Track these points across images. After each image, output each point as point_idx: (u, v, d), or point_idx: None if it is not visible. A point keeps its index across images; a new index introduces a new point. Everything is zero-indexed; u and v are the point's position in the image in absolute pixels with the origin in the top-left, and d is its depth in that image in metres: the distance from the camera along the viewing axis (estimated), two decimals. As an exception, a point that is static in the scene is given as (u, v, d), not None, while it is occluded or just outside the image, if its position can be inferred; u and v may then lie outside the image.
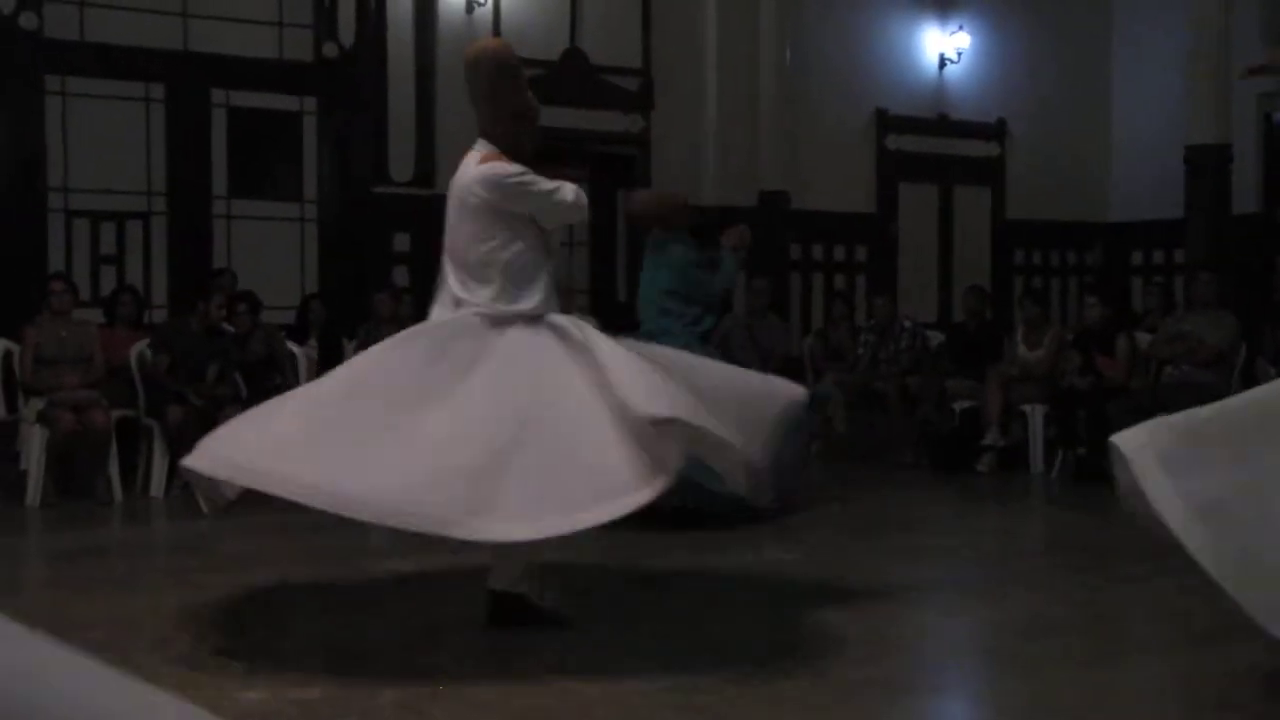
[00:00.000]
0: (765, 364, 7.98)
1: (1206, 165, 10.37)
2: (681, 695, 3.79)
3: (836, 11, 12.24)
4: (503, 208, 4.38)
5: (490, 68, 4.52)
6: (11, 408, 8.18)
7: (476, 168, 4.44)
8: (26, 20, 9.27)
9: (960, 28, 12.71)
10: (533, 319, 4.34)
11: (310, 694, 3.83)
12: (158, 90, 9.88)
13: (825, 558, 6.15)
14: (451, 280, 4.41)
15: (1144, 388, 8.62)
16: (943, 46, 12.76)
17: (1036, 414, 9.15)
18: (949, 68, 12.78)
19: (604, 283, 11.64)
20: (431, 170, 10.22)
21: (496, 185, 4.36)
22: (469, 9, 10.61)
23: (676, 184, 11.15)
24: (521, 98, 4.53)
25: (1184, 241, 10.83)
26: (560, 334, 4.33)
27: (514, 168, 4.39)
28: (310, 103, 10.36)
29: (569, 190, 4.46)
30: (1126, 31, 13.29)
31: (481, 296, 4.35)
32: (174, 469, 7.64)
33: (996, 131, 13.05)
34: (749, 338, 9.70)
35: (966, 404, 9.45)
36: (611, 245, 11.63)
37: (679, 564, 5.76)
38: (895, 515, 7.56)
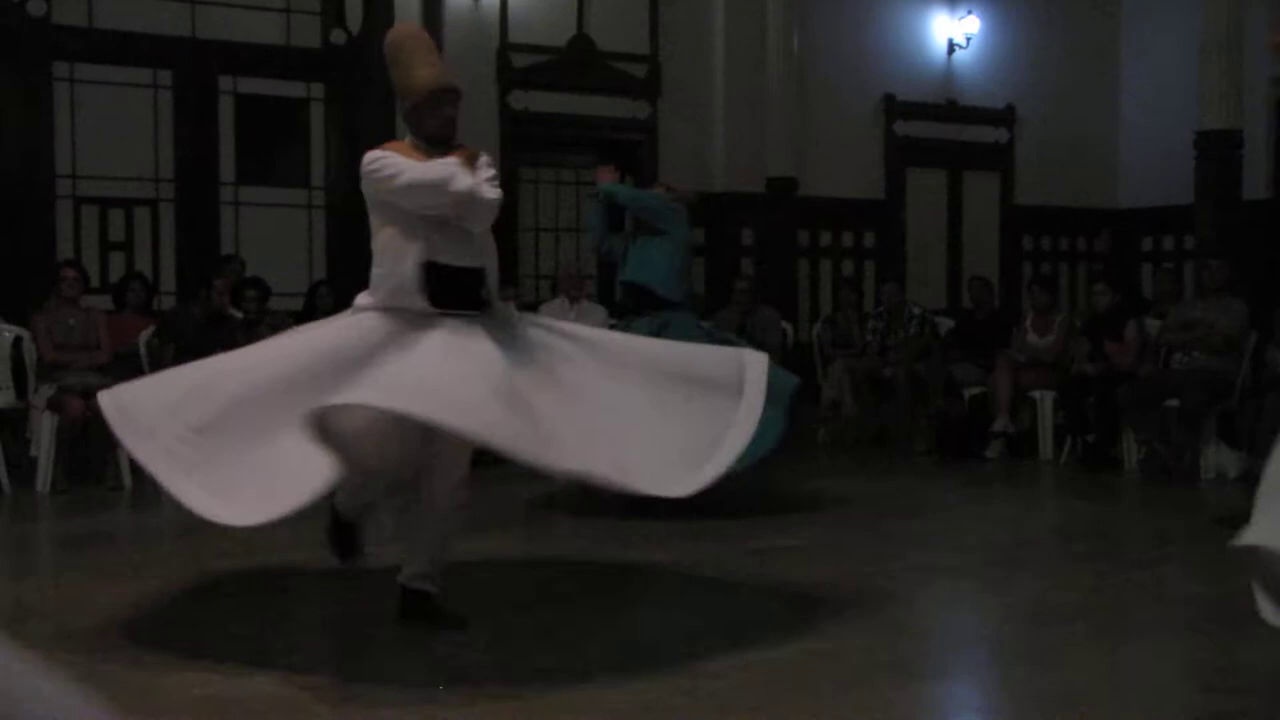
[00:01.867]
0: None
1: (1217, 151, 10.33)
2: (690, 680, 3.80)
3: (845, -3, 12.21)
4: (369, 193, 4.32)
5: (386, 55, 4.46)
6: (21, 394, 8.20)
7: None
8: (35, 7, 9.28)
9: (969, 12, 12.67)
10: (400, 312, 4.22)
11: (319, 680, 3.84)
12: (165, 77, 9.89)
13: (832, 544, 6.15)
14: None
15: (1153, 374, 8.60)
16: (951, 31, 12.72)
17: (1045, 400, 9.14)
18: (958, 53, 12.74)
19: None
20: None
21: (362, 171, 4.30)
22: (476, -5, 10.59)
23: (684, 171, 11.16)
24: (406, 79, 4.37)
25: (1193, 228, 10.79)
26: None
27: (373, 154, 4.27)
28: (318, 89, 10.37)
29: (423, 174, 4.19)
30: (1136, 16, 13.25)
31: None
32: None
33: (1005, 117, 13.01)
34: (739, 333, 9.66)
35: (975, 390, 9.44)
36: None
37: (679, 552, 5.76)
38: (904, 502, 7.55)
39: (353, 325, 4.31)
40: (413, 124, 4.43)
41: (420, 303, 4.21)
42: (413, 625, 4.35)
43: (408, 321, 4.19)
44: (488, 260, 4.40)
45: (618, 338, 4.95)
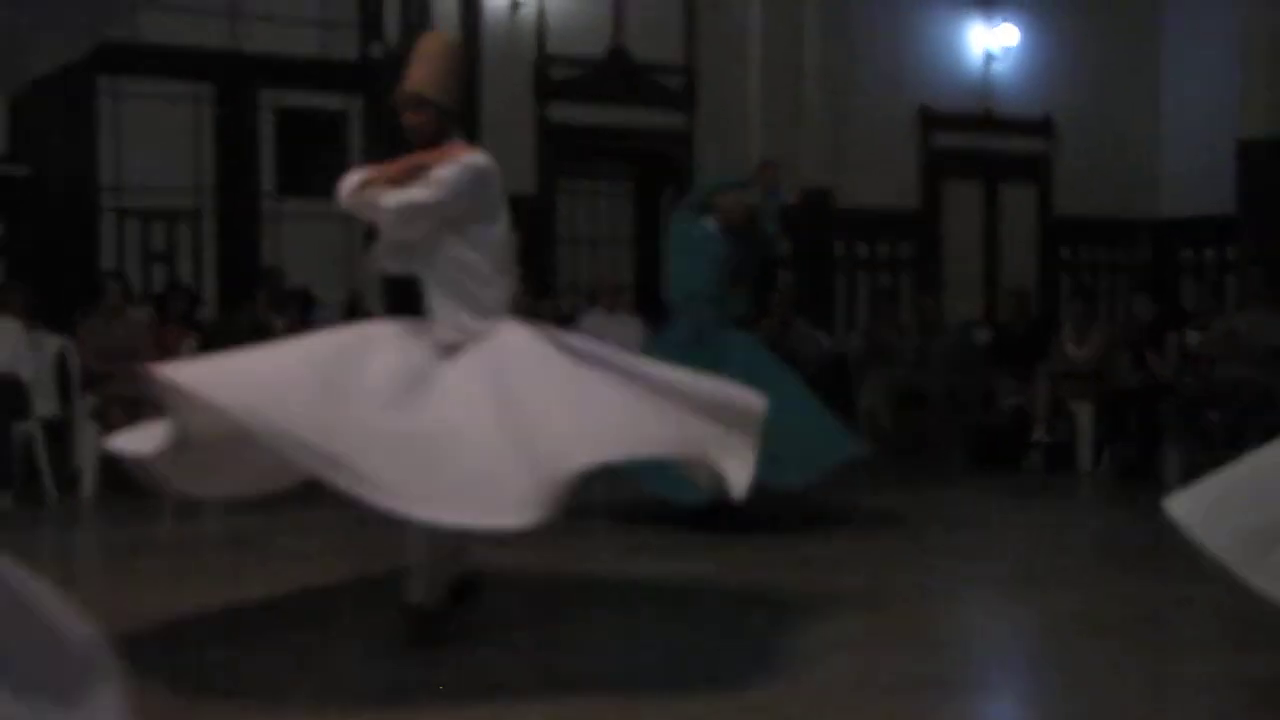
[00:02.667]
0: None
1: (1259, 159, 10.25)
2: (732, 692, 3.80)
3: (881, 7, 12.18)
4: None
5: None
6: (65, 404, 8.28)
7: None
8: None
9: (1006, 22, 12.62)
10: None
11: (357, 689, 3.86)
12: (207, 90, 9.99)
13: (869, 556, 6.14)
14: None
15: (1195, 386, 8.54)
16: (988, 42, 12.68)
17: (1084, 412, 9.09)
18: (994, 63, 12.70)
19: (648, 280, 11.64)
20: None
21: None
22: (513, 8, 10.63)
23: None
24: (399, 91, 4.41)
25: (1235, 237, 10.71)
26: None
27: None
28: (356, 102, 10.44)
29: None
30: (1177, 22, 13.15)
31: None
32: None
33: (1043, 127, 12.95)
34: (775, 346, 9.63)
35: (1013, 402, 9.40)
36: (655, 243, 11.63)
37: (716, 564, 5.76)
38: (941, 514, 7.52)
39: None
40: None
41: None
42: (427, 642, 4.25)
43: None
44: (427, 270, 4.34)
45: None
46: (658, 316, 8.73)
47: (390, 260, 4.37)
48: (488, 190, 4.28)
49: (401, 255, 4.32)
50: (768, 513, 6.45)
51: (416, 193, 4.18)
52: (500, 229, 4.32)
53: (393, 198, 4.17)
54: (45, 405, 8.07)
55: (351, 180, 4.25)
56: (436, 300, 4.27)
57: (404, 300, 4.26)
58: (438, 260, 4.27)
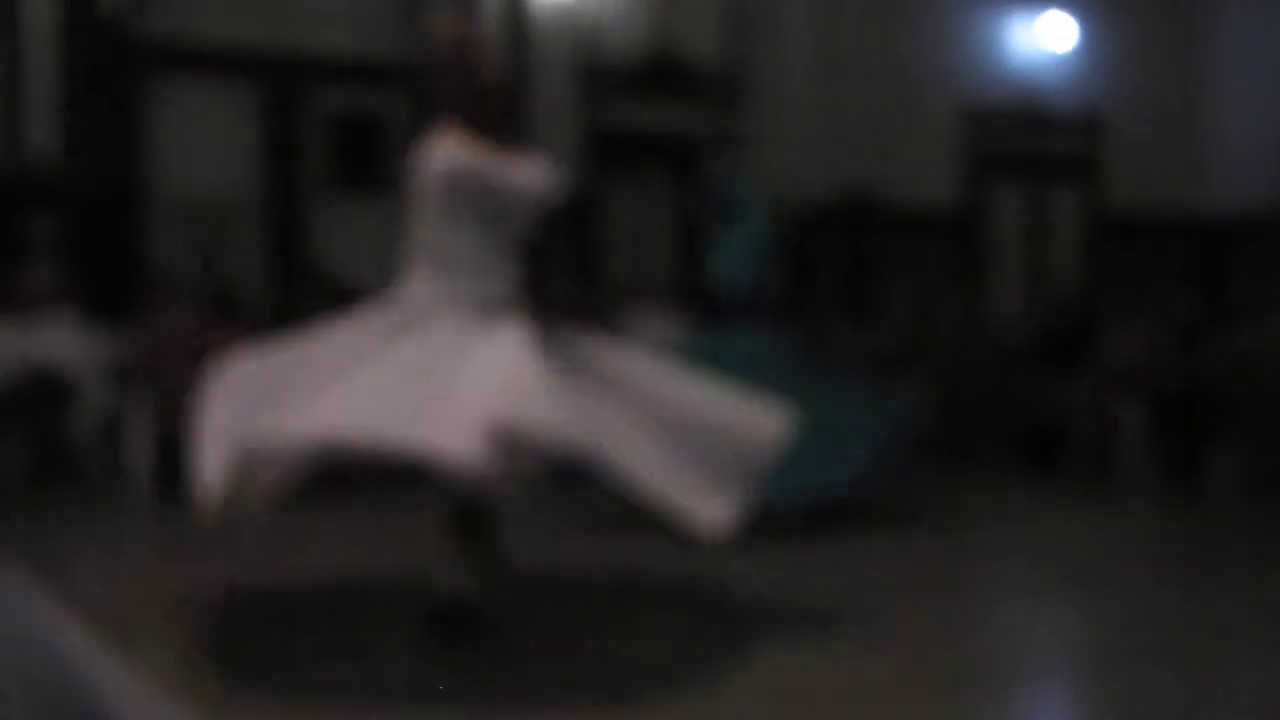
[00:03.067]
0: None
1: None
2: (771, 690, 3.82)
3: (926, 4, 12.14)
4: None
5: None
6: (119, 400, 8.40)
7: None
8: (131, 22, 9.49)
9: (1054, 19, 12.54)
10: None
11: (412, 682, 3.90)
12: (256, 89, 10.08)
13: (910, 555, 6.13)
14: None
15: (1243, 386, 8.46)
16: (1035, 37, 12.60)
17: (1129, 412, 9.03)
18: (1041, 59, 12.62)
19: (693, 278, 11.65)
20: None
21: None
22: (560, 7, 10.67)
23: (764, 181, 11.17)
24: None
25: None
26: None
27: None
28: (401, 99, 10.48)
29: None
30: (1229, 19, 13.02)
31: None
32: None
33: (1091, 124, 12.86)
34: (817, 345, 9.63)
35: (1056, 402, 9.35)
36: (698, 241, 11.64)
37: (753, 562, 5.77)
38: (982, 514, 7.50)
39: None
40: None
41: None
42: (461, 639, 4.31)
43: None
44: None
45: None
46: (699, 314, 8.76)
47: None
48: None
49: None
50: (807, 510, 6.46)
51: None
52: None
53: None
54: (98, 400, 8.20)
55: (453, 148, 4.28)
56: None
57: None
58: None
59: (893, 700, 3.78)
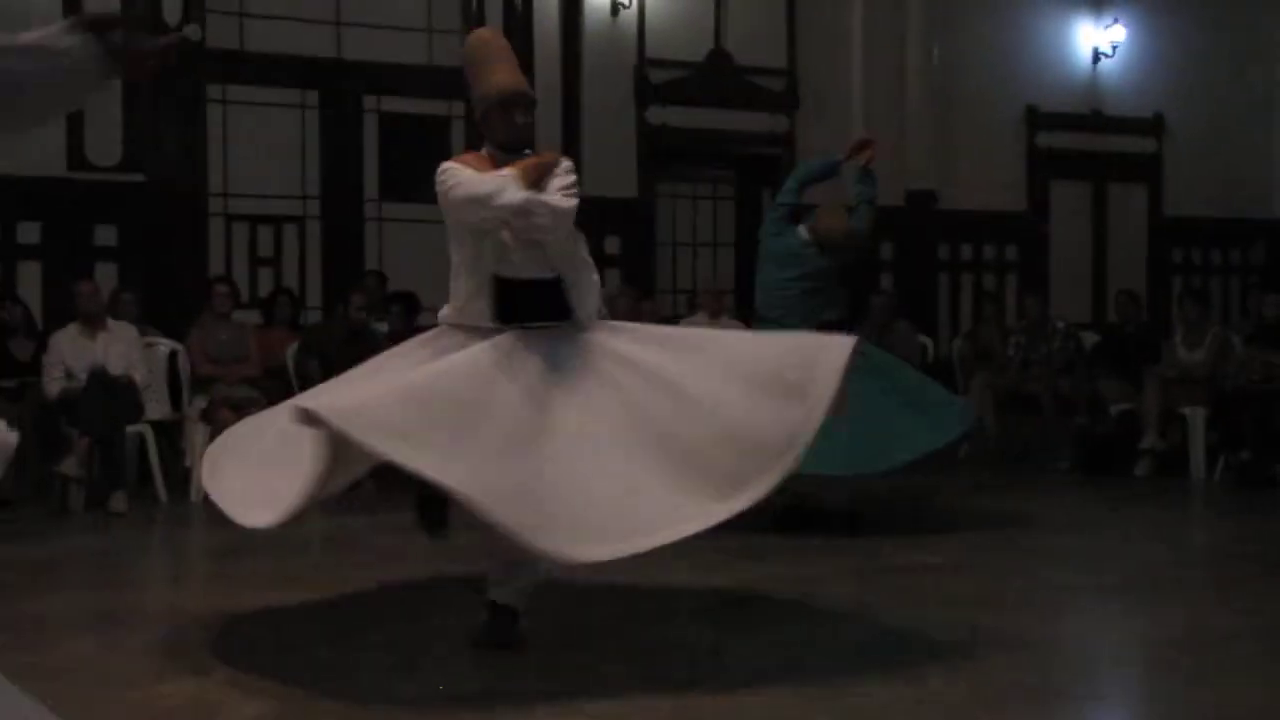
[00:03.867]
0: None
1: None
2: (835, 700, 3.75)
3: (986, 7, 12.02)
4: (444, 208, 4.26)
5: (464, 58, 4.40)
6: (176, 406, 8.47)
7: None
8: (190, 32, 9.55)
9: (1115, 20, 12.38)
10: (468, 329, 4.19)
11: (464, 690, 3.88)
12: (312, 97, 10.13)
13: (974, 562, 6.05)
14: None
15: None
16: (1097, 40, 12.45)
17: (1197, 417, 8.88)
18: (1103, 62, 12.46)
19: (750, 284, 11.59)
20: (577, 171, 10.27)
21: (437, 186, 4.26)
22: (614, 11, 10.66)
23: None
24: (480, 84, 4.29)
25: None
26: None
27: (442, 166, 4.25)
28: (458, 107, 10.49)
29: (473, 187, 4.13)
30: (1292, 21, 12.81)
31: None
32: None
33: (1153, 126, 12.68)
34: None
35: (1122, 407, 9.21)
36: (755, 247, 11.58)
37: (816, 568, 5.71)
38: (1048, 519, 7.39)
39: (425, 342, 4.37)
40: (485, 130, 4.36)
41: (486, 318, 4.18)
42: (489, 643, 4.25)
43: (468, 337, 4.16)
44: (571, 271, 4.26)
45: (697, 340, 4.57)
46: (756, 321, 8.69)
47: (531, 264, 4.24)
48: None
49: (537, 255, 4.23)
50: (871, 517, 6.39)
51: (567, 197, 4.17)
52: None
53: (565, 200, 4.15)
54: (157, 407, 8.26)
55: (516, 185, 4.11)
56: (576, 299, 4.24)
57: (513, 304, 4.21)
58: (576, 260, 4.29)
59: (962, 710, 3.70)
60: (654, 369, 4.16)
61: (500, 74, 4.28)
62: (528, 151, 4.35)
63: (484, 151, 4.36)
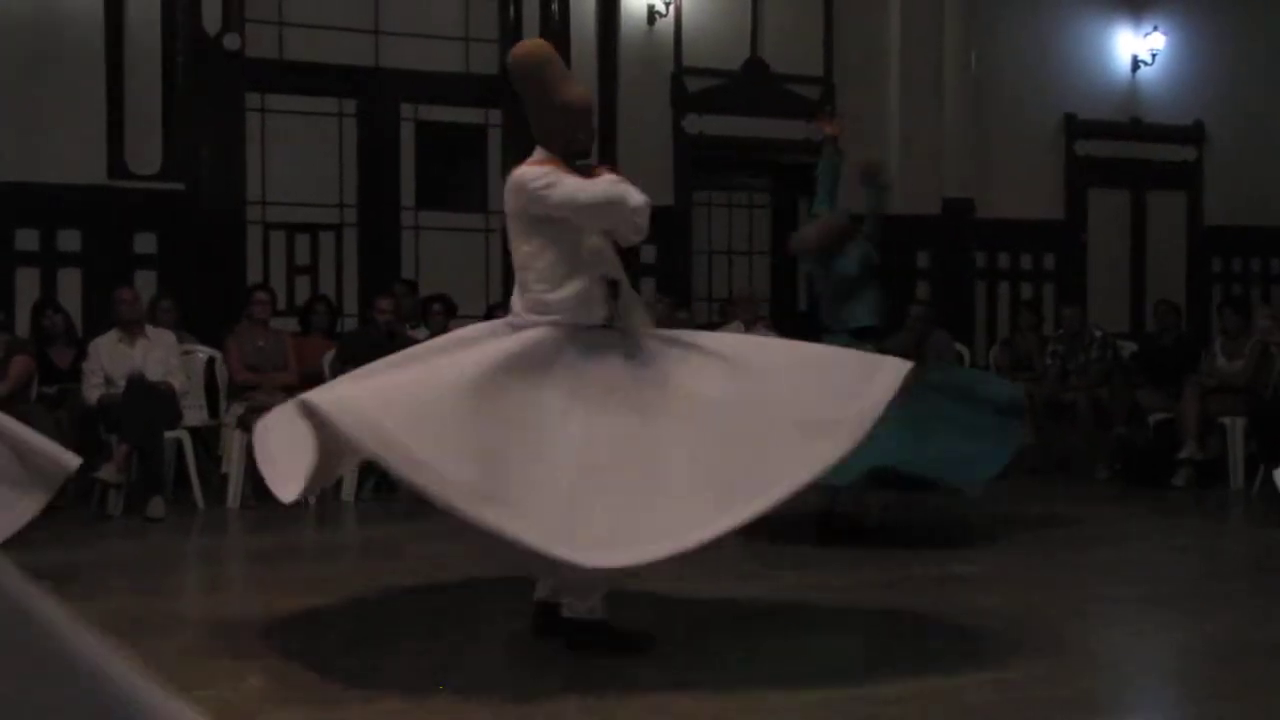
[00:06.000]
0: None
1: None
2: (869, 708, 3.74)
3: (1024, 14, 11.98)
4: (535, 213, 4.27)
5: (521, 72, 4.41)
6: (214, 413, 8.52)
7: (512, 174, 4.36)
8: (230, 41, 9.65)
9: (1155, 28, 12.31)
10: (569, 328, 4.22)
11: (500, 696, 3.88)
12: (350, 106, 10.19)
13: (1011, 572, 6.00)
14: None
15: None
16: (1136, 48, 12.38)
17: (1237, 427, 8.79)
18: (1142, 70, 12.39)
19: (785, 292, 11.59)
20: (614, 180, 10.30)
21: (520, 190, 4.26)
22: (650, 20, 10.67)
23: (858, 192, 11.05)
24: (564, 93, 4.35)
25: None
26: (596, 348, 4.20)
27: (536, 171, 4.26)
28: (495, 115, 10.55)
29: (604, 191, 4.23)
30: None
31: (518, 304, 4.32)
32: (363, 475, 7.87)
33: (1194, 135, 12.59)
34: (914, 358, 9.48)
35: (1161, 416, 9.13)
36: (792, 255, 11.56)
37: (853, 577, 5.69)
38: (1086, 530, 7.33)
39: (466, 341, 4.39)
40: (563, 138, 4.37)
41: (601, 318, 4.25)
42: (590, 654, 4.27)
43: (568, 336, 4.21)
44: (624, 275, 4.45)
45: (740, 347, 4.64)
46: (795, 329, 8.68)
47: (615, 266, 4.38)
48: None
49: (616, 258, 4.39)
50: (906, 526, 6.36)
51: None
52: None
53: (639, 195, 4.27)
54: (195, 414, 8.32)
55: (622, 184, 4.25)
56: (624, 301, 4.34)
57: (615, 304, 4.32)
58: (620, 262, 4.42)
59: (991, 718, 3.68)
60: (694, 386, 4.22)
61: (579, 86, 4.48)
62: (580, 163, 4.41)
63: (550, 157, 4.37)
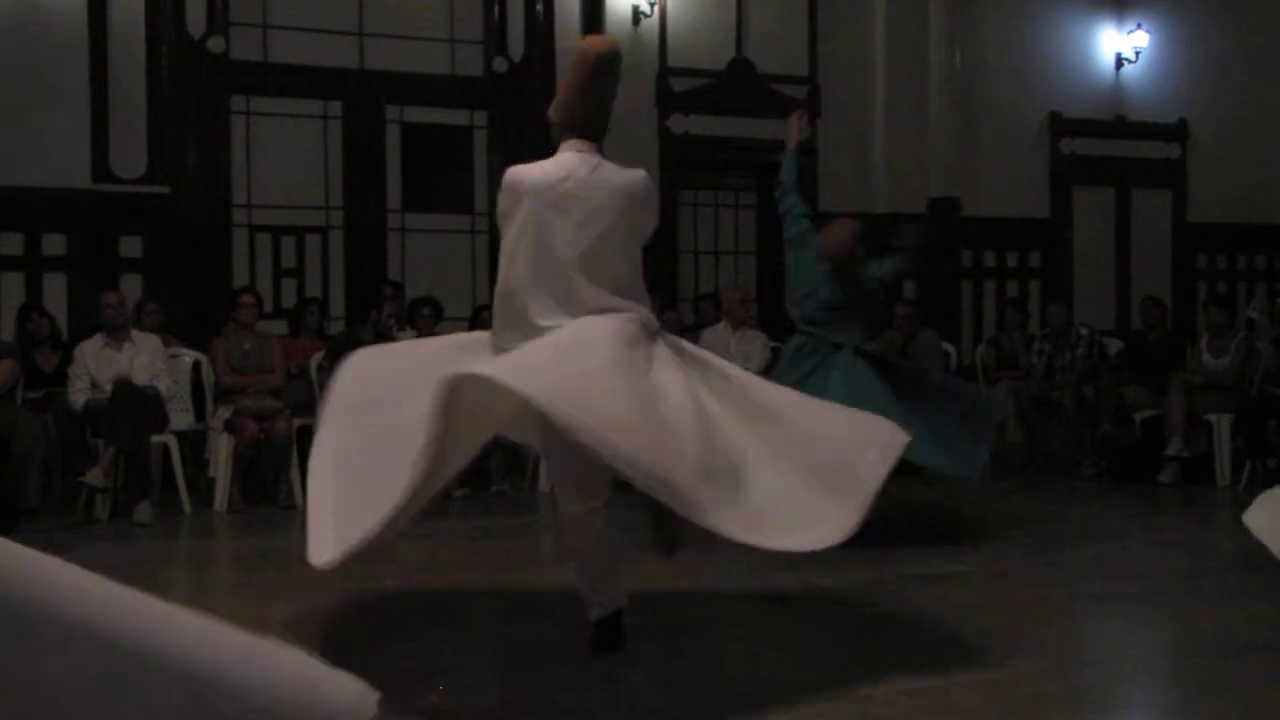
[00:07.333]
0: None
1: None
2: (858, 707, 3.74)
3: (1008, 13, 12.01)
4: (647, 222, 4.53)
5: (608, 66, 4.57)
6: (200, 417, 8.51)
7: (634, 171, 4.41)
8: (214, 44, 9.63)
9: (1139, 26, 12.36)
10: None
11: (488, 700, 3.88)
12: (335, 108, 10.18)
13: (998, 570, 6.02)
14: (558, 288, 4.31)
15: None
16: (1120, 46, 12.42)
17: (1222, 423, 8.83)
18: (1126, 68, 12.44)
19: (772, 293, 11.59)
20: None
21: (651, 194, 4.52)
22: (635, 21, 10.67)
23: (845, 192, 11.10)
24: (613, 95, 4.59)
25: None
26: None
27: (646, 177, 4.56)
28: (481, 117, 10.55)
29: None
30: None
31: (589, 295, 4.39)
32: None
33: (1177, 132, 12.64)
34: (901, 356, 9.51)
35: (1147, 413, 9.16)
36: (779, 255, 11.57)
37: (842, 577, 5.69)
38: (1073, 527, 7.35)
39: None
40: (599, 135, 4.58)
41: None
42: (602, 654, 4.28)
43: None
44: None
45: (746, 385, 4.48)
46: (782, 330, 8.68)
47: None
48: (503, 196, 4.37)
49: None
50: (897, 526, 6.36)
51: None
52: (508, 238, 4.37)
53: None
54: (181, 418, 8.30)
55: None
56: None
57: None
58: None
59: (985, 716, 3.68)
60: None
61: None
62: None
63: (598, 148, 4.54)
